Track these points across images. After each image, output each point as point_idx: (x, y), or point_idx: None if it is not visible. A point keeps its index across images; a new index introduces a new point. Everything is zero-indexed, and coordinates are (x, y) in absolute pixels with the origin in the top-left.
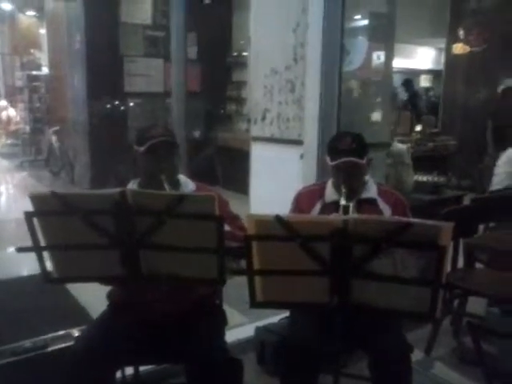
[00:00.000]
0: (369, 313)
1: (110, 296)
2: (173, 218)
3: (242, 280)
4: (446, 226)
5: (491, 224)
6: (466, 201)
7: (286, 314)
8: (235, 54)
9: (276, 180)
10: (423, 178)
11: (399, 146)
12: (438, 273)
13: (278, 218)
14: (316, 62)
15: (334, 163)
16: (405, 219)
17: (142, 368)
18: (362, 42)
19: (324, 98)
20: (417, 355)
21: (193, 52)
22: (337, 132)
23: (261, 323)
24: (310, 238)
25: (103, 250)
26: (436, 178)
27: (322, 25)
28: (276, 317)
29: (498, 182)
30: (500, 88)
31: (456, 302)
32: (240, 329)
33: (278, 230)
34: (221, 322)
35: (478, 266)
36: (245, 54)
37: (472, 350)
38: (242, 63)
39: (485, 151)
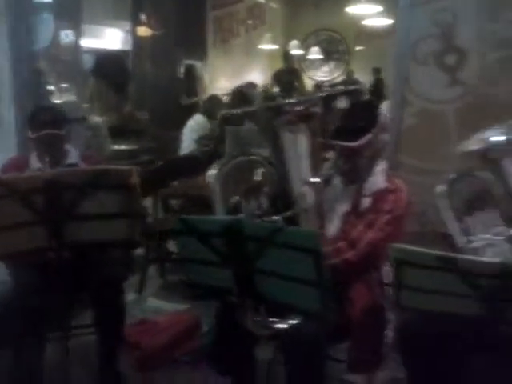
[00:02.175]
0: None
1: None
2: None
3: None
4: (134, 169)
5: None
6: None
7: None
8: None
9: None
10: (121, 147)
11: (95, 119)
12: (133, 204)
13: None
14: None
15: (35, 135)
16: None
17: None
18: (47, 19)
19: (15, 81)
20: (131, 296)
21: None
22: (35, 107)
23: None
24: (27, 191)
25: None
26: (131, 146)
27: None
28: None
29: (185, 147)
30: (182, 68)
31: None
32: None
33: None
34: None
35: None
36: None
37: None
38: None
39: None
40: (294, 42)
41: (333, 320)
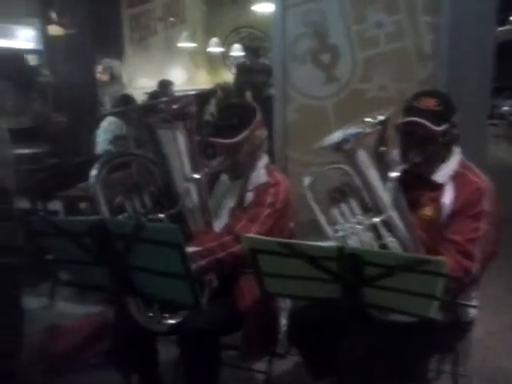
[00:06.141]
0: None
1: None
2: None
3: None
4: None
5: None
6: None
7: None
8: None
9: None
10: (24, 151)
11: None
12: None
13: None
14: None
15: None
16: None
17: None
18: None
19: None
20: (42, 302)
21: None
22: None
23: None
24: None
25: None
26: (36, 150)
27: None
28: None
29: (100, 148)
30: (100, 67)
31: None
32: None
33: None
34: None
35: None
36: None
37: None
38: None
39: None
40: (214, 40)
41: (223, 311)
